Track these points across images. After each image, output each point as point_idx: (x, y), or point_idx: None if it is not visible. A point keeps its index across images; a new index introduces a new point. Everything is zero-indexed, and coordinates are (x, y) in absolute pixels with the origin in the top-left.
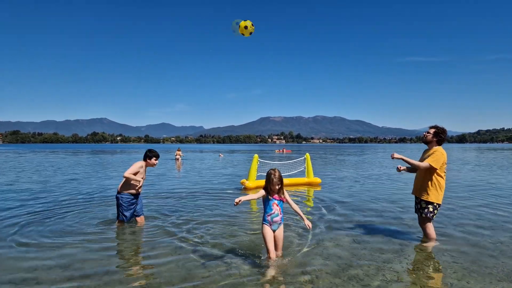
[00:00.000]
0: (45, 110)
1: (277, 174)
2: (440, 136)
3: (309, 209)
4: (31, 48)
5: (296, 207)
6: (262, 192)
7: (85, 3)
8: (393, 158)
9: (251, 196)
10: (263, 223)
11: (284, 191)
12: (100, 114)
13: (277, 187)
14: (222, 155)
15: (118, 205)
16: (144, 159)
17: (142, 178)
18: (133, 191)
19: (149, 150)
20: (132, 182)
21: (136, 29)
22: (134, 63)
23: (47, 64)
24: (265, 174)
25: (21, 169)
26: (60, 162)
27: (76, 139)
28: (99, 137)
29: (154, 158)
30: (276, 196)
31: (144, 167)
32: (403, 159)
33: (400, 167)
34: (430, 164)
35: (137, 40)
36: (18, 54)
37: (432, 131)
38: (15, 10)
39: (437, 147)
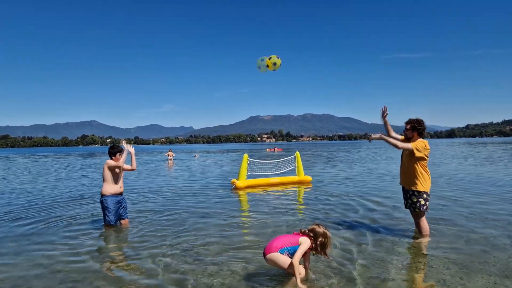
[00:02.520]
0: (34, 114)
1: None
2: (418, 129)
3: (301, 210)
4: (18, 52)
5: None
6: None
7: (69, 5)
8: (371, 140)
9: (299, 267)
10: (279, 253)
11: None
12: (89, 117)
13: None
14: (197, 156)
15: (104, 208)
16: (110, 158)
17: (119, 179)
18: (115, 191)
19: (111, 147)
20: (109, 184)
21: (122, 30)
22: (121, 64)
23: (35, 68)
24: (321, 232)
25: (8, 173)
26: (49, 165)
27: (66, 142)
28: (89, 140)
29: (119, 154)
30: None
31: (116, 164)
32: (382, 138)
33: (371, 136)
34: (412, 147)
35: (123, 40)
36: (5, 58)
37: (409, 126)
38: None
39: (420, 139)
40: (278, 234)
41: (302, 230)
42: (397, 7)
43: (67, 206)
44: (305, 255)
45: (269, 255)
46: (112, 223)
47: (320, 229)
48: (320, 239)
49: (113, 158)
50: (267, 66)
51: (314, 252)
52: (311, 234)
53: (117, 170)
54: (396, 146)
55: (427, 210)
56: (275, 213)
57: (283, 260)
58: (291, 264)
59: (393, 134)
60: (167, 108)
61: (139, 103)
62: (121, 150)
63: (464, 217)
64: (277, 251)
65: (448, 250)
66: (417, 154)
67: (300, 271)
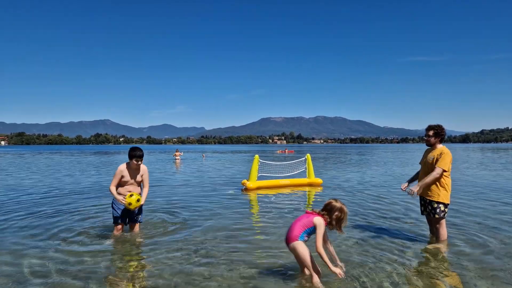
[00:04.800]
0: (49, 112)
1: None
2: (441, 135)
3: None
4: (34, 51)
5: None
6: (323, 226)
7: (83, 4)
8: (415, 195)
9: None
10: (299, 240)
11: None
12: (103, 116)
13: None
14: (204, 156)
15: (113, 210)
16: (129, 159)
17: (128, 181)
18: (126, 195)
19: (131, 149)
20: (120, 188)
21: (137, 30)
22: (135, 64)
23: (51, 66)
24: (337, 206)
25: (25, 170)
26: (63, 162)
27: (80, 141)
28: (102, 139)
29: (135, 160)
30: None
31: (129, 170)
32: (421, 187)
33: (404, 187)
34: (442, 169)
35: (137, 41)
36: (21, 57)
37: (431, 133)
38: (15, 10)
39: (441, 146)
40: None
41: (316, 210)
42: (413, 10)
43: (77, 205)
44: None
45: (292, 244)
46: (118, 224)
47: (338, 204)
48: (336, 213)
49: (130, 161)
50: (130, 204)
51: (329, 227)
52: (326, 209)
53: (124, 179)
54: (433, 179)
55: (444, 217)
56: (285, 215)
57: (305, 253)
58: (308, 253)
59: (429, 179)
60: (180, 109)
61: (152, 104)
62: (138, 156)
63: (478, 223)
64: (297, 239)
65: (461, 256)
66: (446, 168)
67: (328, 263)
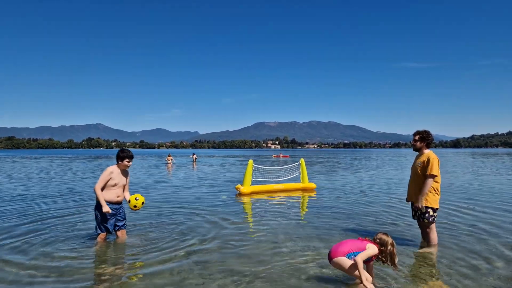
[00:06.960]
0: (40, 116)
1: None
2: (427, 140)
3: (304, 217)
4: (25, 53)
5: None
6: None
7: (76, 5)
8: (419, 207)
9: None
10: (346, 257)
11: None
12: (95, 120)
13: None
14: (195, 156)
15: (95, 216)
16: (117, 162)
17: (116, 184)
18: (110, 199)
19: (121, 151)
20: (107, 190)
21: (130, 32)
22: (129, 67)
23: (42, 69)
24: (383, 241)
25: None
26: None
27: (71, 145)
28: (94, 143)
29: (127, 160)
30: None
31: (117, 172)
32: (421, 200)
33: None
34: (434, 175)
35: (131, 43)
36: (12, 59)
37: (417, 137)
38: (5, 12)
39: (428, 151)
40: (281, 243)
41: (369, 238)
42: (405, 16)
43: (62, 214)
44: (368, 265)
45: (336, 259)
46: (102, 232)
47: (389, 239)
48: (389, 247)
49: (120, 163)
50: (135, 206)
51: (382, 260)
52: (378, 242)
53: (112, 181)
54: (428, 187)
55: (434, 221)
56: (278, 220)
57: (350, 264)
58: (354, 266)
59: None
60: (174, 113)
61: (146, 107)
62: (130, 156)
63: (468, 227)
64: (344, 256)
65: (451, 260)
66: (437, 173)
67: (366, 275)
